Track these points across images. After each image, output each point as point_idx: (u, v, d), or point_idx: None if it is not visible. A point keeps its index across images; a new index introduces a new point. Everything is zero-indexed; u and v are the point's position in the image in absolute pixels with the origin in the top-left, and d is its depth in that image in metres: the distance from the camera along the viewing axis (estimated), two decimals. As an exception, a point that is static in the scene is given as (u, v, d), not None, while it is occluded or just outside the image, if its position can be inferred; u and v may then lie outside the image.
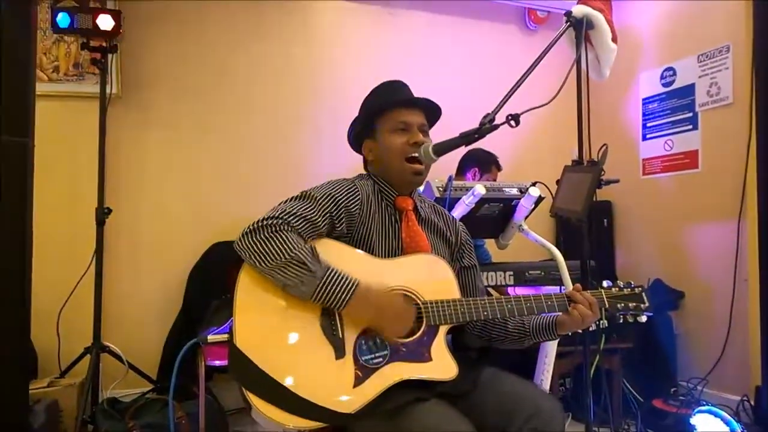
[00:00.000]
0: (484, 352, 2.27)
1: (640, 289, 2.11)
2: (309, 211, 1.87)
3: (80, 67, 3.99)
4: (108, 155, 3.75)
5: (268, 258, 1.74)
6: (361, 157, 2.27)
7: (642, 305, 2.08)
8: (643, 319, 2.08)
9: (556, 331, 2.06)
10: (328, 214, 1.91)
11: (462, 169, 4.03)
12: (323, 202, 1.92)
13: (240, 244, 1.79)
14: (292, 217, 1.81)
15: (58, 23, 3.50)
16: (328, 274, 1.76)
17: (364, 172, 2.24)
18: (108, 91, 3.75)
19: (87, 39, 3.65)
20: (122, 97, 4.02)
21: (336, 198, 1.95)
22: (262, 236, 1.76)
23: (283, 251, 1.73)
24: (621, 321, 2.09)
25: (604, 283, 2.11)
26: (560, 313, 2.04)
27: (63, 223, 3.83)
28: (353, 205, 1.99)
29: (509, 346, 2.16)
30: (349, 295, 1.75)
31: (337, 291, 1.75)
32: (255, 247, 1.75)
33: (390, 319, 1.81)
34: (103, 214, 3.64)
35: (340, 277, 1.76)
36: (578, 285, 2.09)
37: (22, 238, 2.38)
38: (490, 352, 2.27)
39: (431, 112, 2.19)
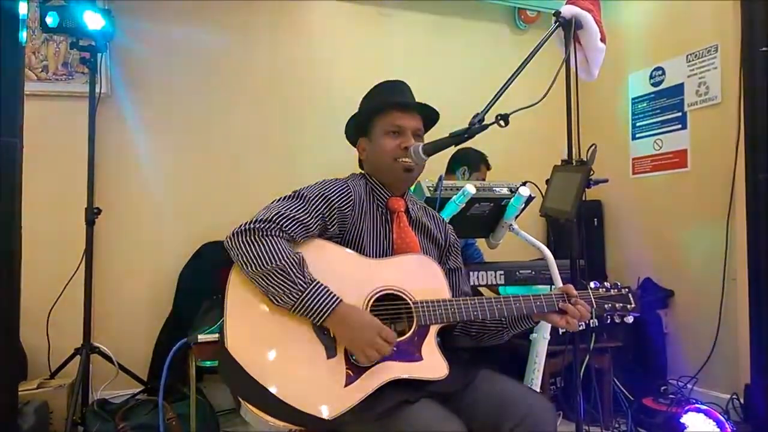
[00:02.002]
0: (477, 352, 2.28)
1: (627, 289, 2.12)
2: (300, 212, 1.87)
3: (69, 67, 3.96)
4: (97, 155, 3.73)
5: (254, 263, 1.74)
6: (353, 156, 2.27)
7: (629, 306, 2.10)
8: (630, 319, 2.10)
9: (533, 317, 2.08)
10: (320, 215, 1.91)
11: (451, 168, 4.03)
12: (315, 203, 1.92)
13: (229, 242, 1.79)
14: (283, 219, 1.81)
15: (47, 22, 3.47)
16: (310, 288, 1.75)
17: (358, 171, 2.24)
18: (97, 90, 3.73)
19: (76, 38, 3.63)
20: (111, 97, 4.01)
21: (328, 198, 1.95)
22: (250, 239, 1.76)
23: (270, 258, 1.73)
24: (608, 321, 2.10)
25: (592, 284, 2.12)
26: None
27: (52, 223, 3.79)
28: (345, 206, 1.99)
29: (489, 341, 2.17)
30: (328, 312, 1.74)
31: (317, 306, 1.74)
32: (243, 249, 1.76)
33: (365, 345, 1.75)
34: (92, 214, 3.62)
35: (322, 293, 1.76)
36: (569, 285, 2.10)
37: (11, 238, 2.37)
38: (482, 352, 2.27)
39: (428, 116, 2.19)
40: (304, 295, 1.74)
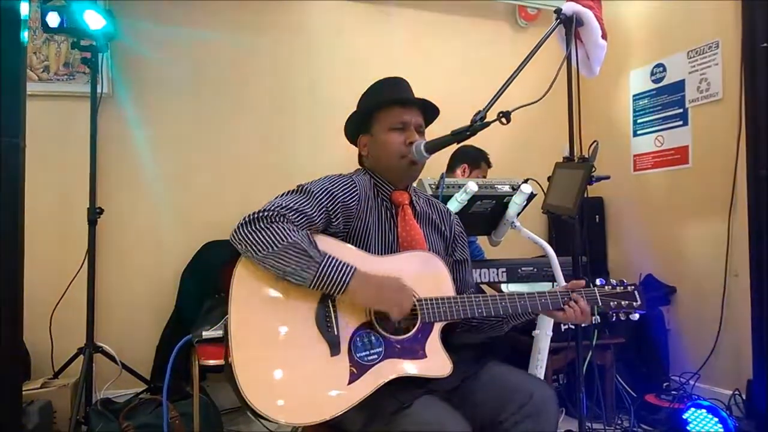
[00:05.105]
0: (482, 349, 2.28)
1: (632, 287, 2.11)
2: (305, 205, 1.88)
3: (70, 67, 3.97)
4: (99, 155, 3.73)
5: (265, 246, 1.74)
6: (355, 154, 2.27)
7: (635, 303, 2.09)
8: (636, 317, 2.09)
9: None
10: (324, 209, 1.92)
11: (452, 166, 4.03)
12: (319, 197, 1.93)
13: (236, 236, 1.80)
14: (287, 210, 1.82)
15: (48, 23, 3.47)
16: (326, 259, 1.77)
17: (360, 167, 2.25)
18: (98, 90, 3.73)
19: (77, 38, 3.63)
20: (113, 97, 4.01)
21: (333, 193, 1.96)
22: (257, 226, 1.77)
23: (280, 238, 1.75)
24: (614, 319, 2.10)
25: (597, 281, 2.11)
26: None
27: (54, 223, 3.82)
28: (350, 200, 2.00)
29: (490, 333, 2.18)
30: (348, 278, 1.77)
31: (336, 275, 1.76)
32: (251, 237, 1.76)
33: (392, 295, 1.82)
34: (94, 213, 3.63)
35: (338, 262, 1.78)
36: (573, 282, 2.09)
37: (14, 239, 2.37)
38: (486, 348, 2.28)
39: (428, 111, 2.20)
40: (322, 267, 1.75)
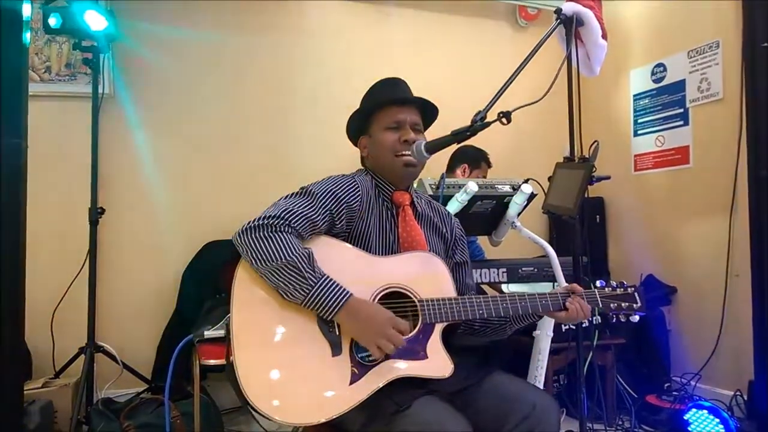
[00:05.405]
0: (484, 351, 2.28)
1: (633, 289, 2.12)
2: (309, 208, 1.88)
3: (72, 67, 3.97)
4: (100, 155, 3.74)
5: (264, 259, 1.75)
6: (354, 154, 2.28)
7: (635, 305, 2.09)
8: (636, 318, 2.09)
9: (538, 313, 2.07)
10: (327, 212, 1.92)
11: (452, 166, 4.03)
12: (323, 199, 1.93)
13: (239, 239, 1.80)
14: (291, 216, 1.82)
15: (50, 24, 3.48)
16: (321, 282, 1.76)
17: (362, 168, 2.25)
18: (100, 91, 3.74)
19: (78, 39, 3.64)
20: (114, 97, 4.01)
21: (336, 194, 1.96)
22: (261, 235, 1.77)
23: (280, 254, 1.74)
24: (614, 320, 2.10)
25: (598, 283, 2.11)
26: None
27: (56, 223, 3.81)
28: (354, 201, 2.00)
29: (492, 336, 2.17)
30: (339, 306, 1.76)
31: (327, 300, 1.75)
32: (253, 245, 1.76)
33: (377, 336, 1.76)
34: (96, 213, 3.64)
35: (332, 287, 1.77)
36: (575, 285, 2.09)
37: (15, 239, 2.38)
38: (488, 350, 2.28)
39: (428, 111, 2.21)
40: (315, 289, 1.75)
